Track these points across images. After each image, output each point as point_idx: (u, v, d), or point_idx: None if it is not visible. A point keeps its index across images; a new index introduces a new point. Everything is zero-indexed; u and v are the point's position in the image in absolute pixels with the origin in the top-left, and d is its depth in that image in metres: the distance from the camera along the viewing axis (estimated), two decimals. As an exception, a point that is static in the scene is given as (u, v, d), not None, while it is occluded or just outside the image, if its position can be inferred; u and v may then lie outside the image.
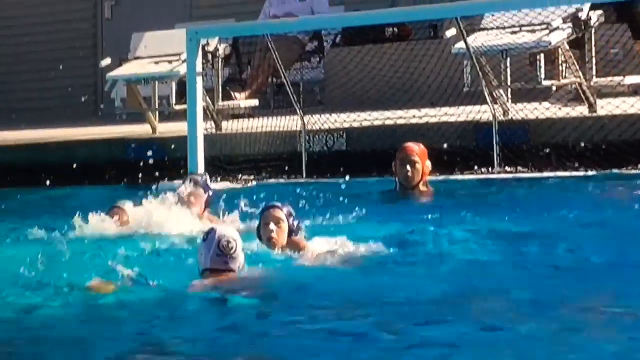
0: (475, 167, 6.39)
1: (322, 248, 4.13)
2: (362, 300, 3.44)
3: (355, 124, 6.99)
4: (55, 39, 10.88)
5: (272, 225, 4.10)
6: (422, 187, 5.56)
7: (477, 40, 6.78)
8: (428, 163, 5.55)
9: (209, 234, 3.68)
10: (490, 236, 4.40)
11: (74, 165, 6.99)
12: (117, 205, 5.00)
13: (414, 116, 6.85)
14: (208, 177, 5.37)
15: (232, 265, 3.63)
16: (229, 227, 3.83)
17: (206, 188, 5.05)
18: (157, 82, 7.80)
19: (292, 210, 4.17)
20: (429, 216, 4.87)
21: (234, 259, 3.62)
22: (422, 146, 5.60)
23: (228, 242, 3.62)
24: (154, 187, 5.40)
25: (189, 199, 4.95)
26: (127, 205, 5.00)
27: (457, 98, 6.82)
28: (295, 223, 4.15)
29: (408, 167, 5.50)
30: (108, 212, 4.95)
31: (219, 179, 6.79)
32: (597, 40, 6.75)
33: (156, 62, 7.85)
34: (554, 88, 6.65)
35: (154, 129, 7.91)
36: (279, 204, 4.18)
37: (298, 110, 7.14)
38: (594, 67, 6.72)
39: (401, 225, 4.70)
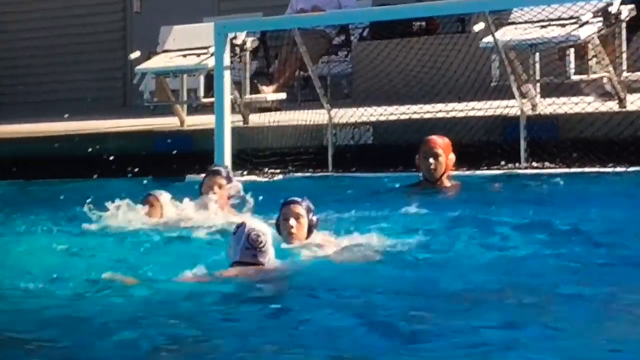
0: (502, 162, 6.35)
1: (342, 242, 4.14)
2: (385, 293, 3.44)
3: (382, 118, 6.98)
4: (85, 32, 10.97)
5: (292, 221, 4.11)
6: (445, 181, 5.53)
7: (505, 34, 6.73)
8: (452, 156, 5.52)
9: (240, 227, 3.71)
10: (515, 231, 4.38)
11: (102, 157, 7.06)
12: (152, 194, 5.00)
13: (441, 110, 6.83)
14: (230, 169, 5.38)
15: (261, 259, 3.65)
16: (260, 221, 3.85)
17: (229, 180, 5.07)
18: (185, 75, 7.84)
19: (312, 206, 4.18)
20: (453, 210, 4.85)
21: (263, 252, 3.65)
22: (446, 139, 5.57)
23: (258, 236, 3.64)
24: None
25: (213, 190, 4.95)
26: (163, 196, 5.00)
27: (484, 92, 6.78)
28: (315, 218, 4.16)
29: (431, 160, 5.48)
30: (143, 200, 4.97)
31: (245, 172, 6.82)
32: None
33: (184, 56, 7.89)
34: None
35: (182, 122, 7.96)
36: (298, 199, 4.18)
37: (325, 104, 7.15)
38: (624, 62, 6.64)
39: (424, 219, 4.69)
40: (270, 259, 3.69)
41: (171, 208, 4.96)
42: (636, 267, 3.73)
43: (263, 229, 3.69)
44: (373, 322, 3.08)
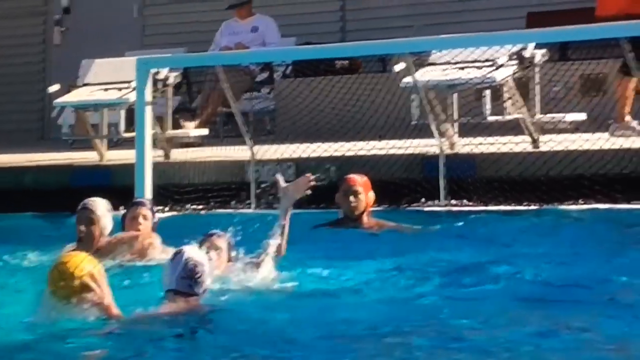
0: (422, 200, 6.48)
1: (260, 276, 4.16)
2: (304, 329, 3.44)
3: (305, 155, 7.03)
4: (4, 63, 10.75)
5: (212, 254, 4.11)
6: (365, 218, 5.63)
7: (425, 74, 6.90)
8: (371, 194, 5.63)
9: (177, 254, 3.65)
10: (431, 267, 4.46)
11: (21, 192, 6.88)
12: (87, 206, 4.75)
13: (362, 148, 6.93)
14: (153, 203, 5.31)
15: (196, 290, 3.59)
16: (198, 250, 3.78)
17: (153, 212, 5.01)
18: (106, 109, 7.75)
19: (232, 240, 4.20)
20: (372, 247, 4.91)
21: (198, 283, 3.59)
22: (365, 177, 5.68)
23: (195, 265, 3.58)
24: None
25: (138, 220, 4.85)
26: (99, 212, 4.76)
27: (405, 131, 6.92)
28: (234, 253, 4.18)
29: (352, 198, 5.58)
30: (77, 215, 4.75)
31: (166, 208, 6.75)
32: (541, 78, 6.93)
33: (105, 90, 7.81)
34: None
35: (101, 156, 7.85)
36: (220, 232, 4.19)
37: (247, 140, 7.16)
38: (537, 104, 6.89)
39: (345, 256, 4.73)
40: (205, 290, 3.63)
41: (108, 218, 4.75)
42: (566, 301, 3.80)
43: (201, 258, 3.64)
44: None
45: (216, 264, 4.10)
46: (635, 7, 6.47)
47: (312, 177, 4.20)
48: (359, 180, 5.64)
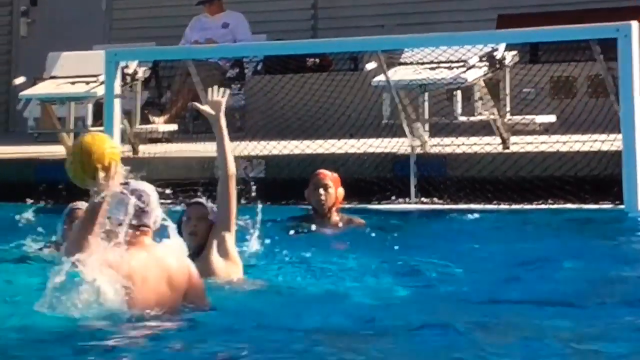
0: (393, 198, 6.47)
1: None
2: (264, 327, 3.41)
3: (275, 152, 6.99)
4: (-33, 54, 10.56)
5: (195, 221, 4.18)
6: (334, 214, 5.61)
7: (396, 74, 6.90)
8: (341, 190, 5.60)
9: (124, 187, 3.54)
10: (400, 265, 4.44)
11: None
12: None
13: (333, 145, 6.91)
14: None
15: (146, 220, 3.51)
16: (144, 182, 3.66)
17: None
18: (73, 103, 7.64)
19: (215, 208, 4.23)
20: (340, 244, 4.88)
21: (147, 213, 3.51)
22: (335, 174, 5.65)
23: (141, 196, 3.51)
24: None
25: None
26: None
27: (376, 129, 6.91)
28: (214, 219, 4.22)
29: (321, 191, 5.54)
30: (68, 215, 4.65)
31: (134, 202, 6.65)
32: (512, 79, 6.97)
33: (73, 83, 7.69)
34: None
35: (68, 150, 7.73)
36: (203, 201, 4.26)
37: (217, 136, 7.09)
38: (507, 105, 6.93)
39: (312, 251, 4.70)
40: (156, 221, 3.53)
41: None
42: (505, 305, 3.79)
43: (147, 189, 3.55)
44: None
45: (200, 234, 4.14)
46: None
47: (223, 90, 4.16)
48: (329, 175, 5.62)
